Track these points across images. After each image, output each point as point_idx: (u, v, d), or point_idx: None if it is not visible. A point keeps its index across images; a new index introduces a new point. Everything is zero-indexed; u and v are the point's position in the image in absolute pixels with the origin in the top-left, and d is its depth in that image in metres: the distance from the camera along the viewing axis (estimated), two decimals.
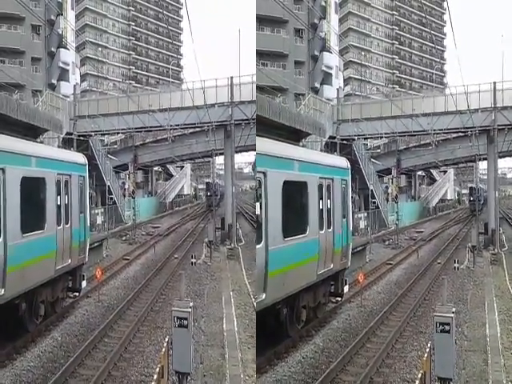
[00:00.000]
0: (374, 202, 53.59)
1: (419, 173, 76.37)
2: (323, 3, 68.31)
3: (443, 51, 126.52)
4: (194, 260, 33.85)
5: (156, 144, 62.66)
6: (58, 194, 21.41)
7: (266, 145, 17.07)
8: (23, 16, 62.54)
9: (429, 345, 15.00)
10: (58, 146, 42.07)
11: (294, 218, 18.73)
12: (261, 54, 59.91)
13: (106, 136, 58.09)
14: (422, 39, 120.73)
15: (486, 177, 60.16)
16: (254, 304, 15.97)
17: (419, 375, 13.84)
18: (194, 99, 42.23)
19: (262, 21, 61.21)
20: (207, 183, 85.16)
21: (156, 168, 77.47)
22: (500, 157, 48.96)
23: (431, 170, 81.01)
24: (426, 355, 14.30)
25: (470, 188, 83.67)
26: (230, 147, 45.59)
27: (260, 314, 16.69)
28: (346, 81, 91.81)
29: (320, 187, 20.63)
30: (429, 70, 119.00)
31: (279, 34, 63.92)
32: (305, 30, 64.87)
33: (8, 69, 55.75)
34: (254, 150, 16.51)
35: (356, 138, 51.50)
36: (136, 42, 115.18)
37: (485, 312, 24.18)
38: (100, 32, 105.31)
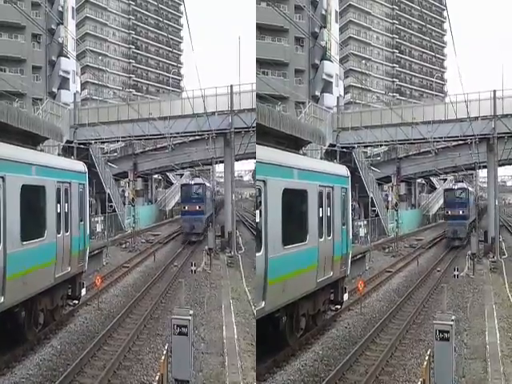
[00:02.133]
0: (374, 210, 53.60)
1: (419, 180, 76.44)
2: (324, 12, 68.51)
3: (443, 60, 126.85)
4: (193, 268, 33.75)
5: (156, 152, 62.70)
6: (58, 201, 21.42)
7: (265, 153, 17.08)
8: (24, 25, 62.78)
9: (428, 352, 15.01)
10: (59, 154, 42.13)
11: (294, 225, 18.71)
12: (261, 63, 60.02)
13: (106, 144, 58.26)
14: (423, 48, 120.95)
15: (485, 185, 60.19)
16: (254, 312, 15.93)
17: (419, 383, 13.83)
18: (194, 107, 42.28)
19: (263, 30, 61.36)
20: (183, 186, 55.82)
21: (156, 176, 77.52)
22: (500, 165, 48.99)
23: (431, 178, 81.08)
24: (425, 363, 14.30)
25: (447, 191, 57.81)
26: (230, 155, 45.65)
27: (259, 322, 16.68)
28: (347, 89, 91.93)
29: (320, 195, 20.63)
30: (429, 78, 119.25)
31: (280, 42, 64.09)
32: (305, 38, 65.04)
33: (9, 77, 55.84)
34: (254, 157, 16.53)
35: (356, 145, 51.61)
36: (136, 51, 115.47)
37: (484, 319, 24.14)
38: (100, 41, 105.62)
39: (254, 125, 27.54)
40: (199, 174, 60.52)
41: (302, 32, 61.14)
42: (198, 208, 50.96)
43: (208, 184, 56.96)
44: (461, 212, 52.04)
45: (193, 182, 53.64)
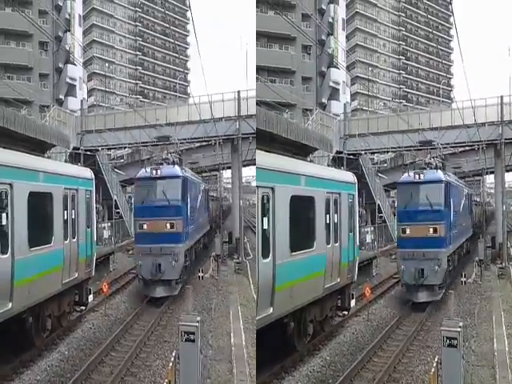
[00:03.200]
0: (381, 216, 53.46)
1: None
2: (331, 20, 68.68)
3: (450, 66, 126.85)
4: (201, 274, 33.64)
5: None
6: (65, 208, 21.46)
7: (273, 160, 17.06)
8: (31, 33, 63.16)
9: (436, 359, 14.95)
10: (65, 161, 42.22)
11: (302, 232, 18.68)
12: (269, 71, 60.18)
13: (113, 150, 58.29)
14: (429, 54, 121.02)
15: (493, 190, 59.97)
16: (256, 318, 15.85)
17: None
18: (200, 113, 42.26)
19: (270, 38, 61.61)
20: (138, 182, 29.41)
21: None
22: (507, 170, 48.86)
23: None
24: (433, 370, 14.25)
25: (402, 186, 29.51)
26: (238, 161, 45.65)
27: (267, 328, 16.63)
28: (353, 96, 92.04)
29: (327, 202, 20.62)
30: (436, 84, 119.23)
31: (287, 50, 64.19)
32: (312, 46, 65.16)
33: (16, 85, 56.04)
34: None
35: (363, 152, 51.55)
36: (143, 57, 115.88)
37: (492, 326, 24.01)
38: (107, 47, 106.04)
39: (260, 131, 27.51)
40: (173, 159, 31.35)
41: (309, 40, 61.25)
42: (168, 227, 27.39)
43: (203, 184, 42.13)
44: (431, 230, 27.16)
45: (158, 175, 27.76)
